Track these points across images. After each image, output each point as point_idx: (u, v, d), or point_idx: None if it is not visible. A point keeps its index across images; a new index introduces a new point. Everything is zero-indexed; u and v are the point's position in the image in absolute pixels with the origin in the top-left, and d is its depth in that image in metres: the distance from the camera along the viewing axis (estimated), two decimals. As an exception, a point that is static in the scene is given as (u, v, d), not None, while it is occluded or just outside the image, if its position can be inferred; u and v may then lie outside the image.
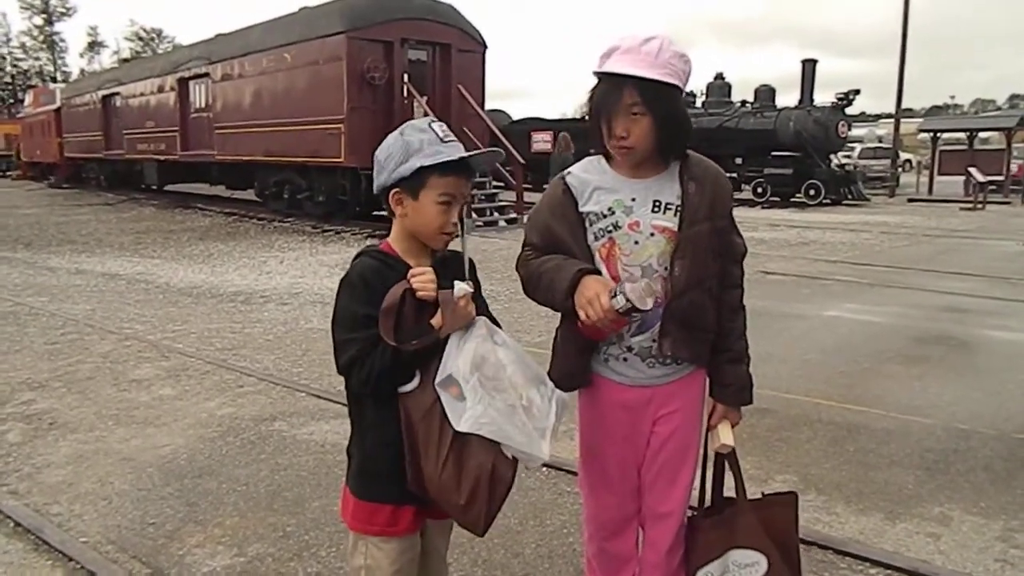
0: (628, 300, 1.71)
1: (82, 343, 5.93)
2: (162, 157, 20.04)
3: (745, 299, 2.04)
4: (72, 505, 3.23)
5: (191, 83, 18.67)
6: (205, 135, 17.85)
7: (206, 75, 17.75)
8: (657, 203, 1.86)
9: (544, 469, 3.51)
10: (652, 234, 1.85)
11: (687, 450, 1.99)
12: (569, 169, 1.97)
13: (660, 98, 1.76)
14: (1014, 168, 23.99)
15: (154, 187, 22.18)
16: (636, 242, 1.86)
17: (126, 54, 60.47)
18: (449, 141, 1.68)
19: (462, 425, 1.55)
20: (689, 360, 1.94)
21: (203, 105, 18.26)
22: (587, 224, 1.89)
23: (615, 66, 1.77)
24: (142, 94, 20.88)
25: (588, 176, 1.92)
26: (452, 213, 1.68)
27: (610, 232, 1.87)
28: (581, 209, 1.89)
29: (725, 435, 2.00)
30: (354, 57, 13.59)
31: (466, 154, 1.69)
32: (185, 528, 3.03)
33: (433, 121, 1.72)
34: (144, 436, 4.01)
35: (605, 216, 1.87)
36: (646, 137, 1.79)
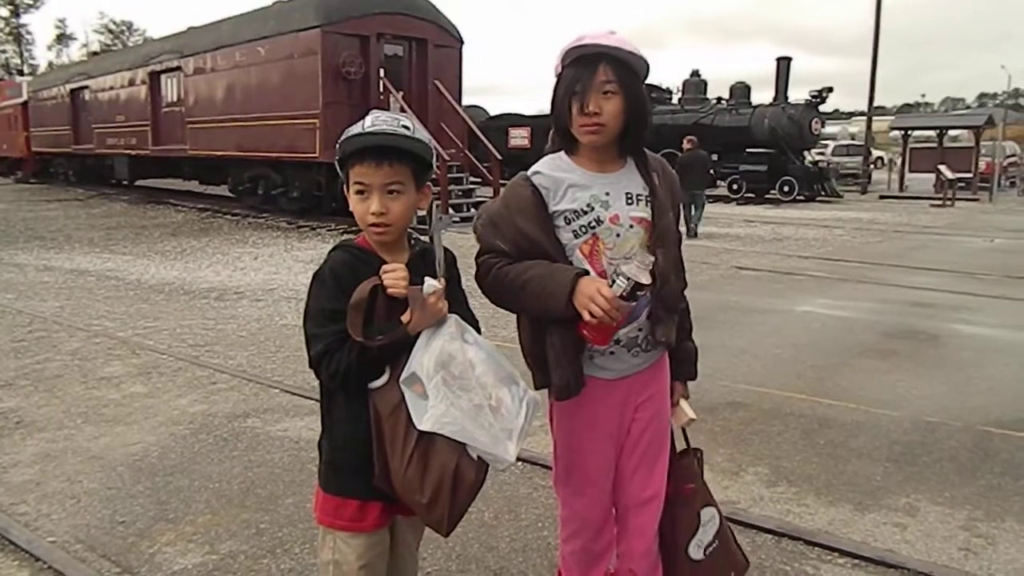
0: (629, 279, 1.72)
1: (50, 340, 5.83)
2: (133, 152, 19.72)
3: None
4: (39, 504, 3.18)
5: (163, 77, 18.40)
6: (177, 129, 17.60)
7: (178, 69, 17.50)
8: (629, 195, 1.90)
9: (519, 464, 3.52)
10: (631, 226, 1.88)
11: (665, 432, 2.05)
12: (534, 168, 1.94)
13: (631, 79, 1.83)
14: (982, 166, 24.44)
15: (125, 182, 21.82)
16: (618, 235, 1.88)
17: (95, 47, 59.38)
18: (375, 130, 1.62)
19: (424, 424, 1.55)
20: (670, 343, 2.00)
21: (175, 99, 18.00)
22: (562, 223, 1.87)
23: (590, 45, 1.81)
24: (112, 88, 20.53)
25: (559, 174, 1.89)
26: (370, 203, 1.64)
27: (593, 228, 1.86)
28: (552, 208, 1.87)
29: (689, 410, 2.12)
30: (329, 52, 13.48)
31: (358, 134, 1.64)
32: (156, 526, 2.99)
33: (375, 110, 1.71)
34: (114, 434, 3.96)
35: (585, 212, 1.86)
36: (617, 116, 1.81)
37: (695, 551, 2.07)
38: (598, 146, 1.88)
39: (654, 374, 2.01)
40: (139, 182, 21.72)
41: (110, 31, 66.45)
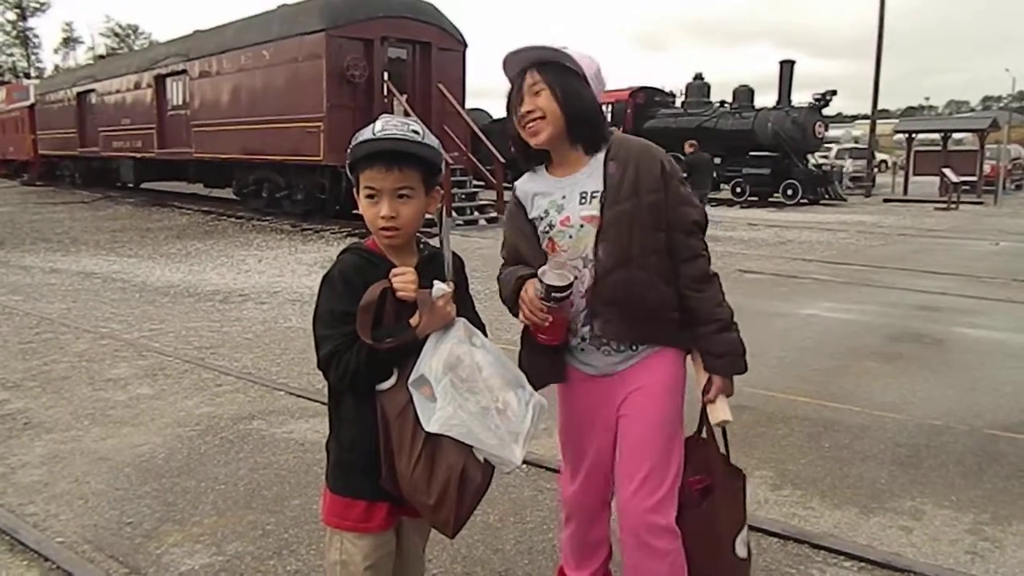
0: (543, 283, 1.80)
1: (57, 342, 5.86)
2: (138, 155, 19.79)
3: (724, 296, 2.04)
4: (48, 505, 3.19)
5: (168, 80, 18.47)
6: (182, 133, 17.66)
7: (184, 72, 17.57)
8: (584, 195, 1.94)
9: (524, 466, 3.52)
10: (582, 225, 1.93)
11: (649, 438, 1.94)
12: (517, 181, 2.08)
13: (560, 77, 1.88)
14: (987, 169, 24.37)
15: (130, 185, 21.91)
16: (570, 236, 1.94)
17: (102, 50, 59.69)
18: (385, 135, 1.64)
19: (431, 426, 1.56)
20: (637, 341, 1.95)
21: (180, 102, 18.07)
22: (538, 229, 2.01)
23: (507, 57, 1.93)
24: (118, 91, 20.62)
25: (529, 185, 2.03)
26: (380, 207, 1.65)
27: (547, 232, 1.98)
28: (530, 216, 2.01)
29: (723, 409, 1.97)
30: (333, 55, 13.52)
31: (369, 140, 1.65)
32: (163, 527, 3.01)
33: (384, 115, 1.73)
34: (121, 435, 3.98)
35: (543, 218, 1.99)
36: (551, 106, 1.87)
37: (740, 548, 2.03)
38: (552, 147, 1.94)
39: (643, 371, 1.97)
40: (144, 185, 21.81)
41: (116, 35, 66.70)
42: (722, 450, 2.08)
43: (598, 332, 1.94)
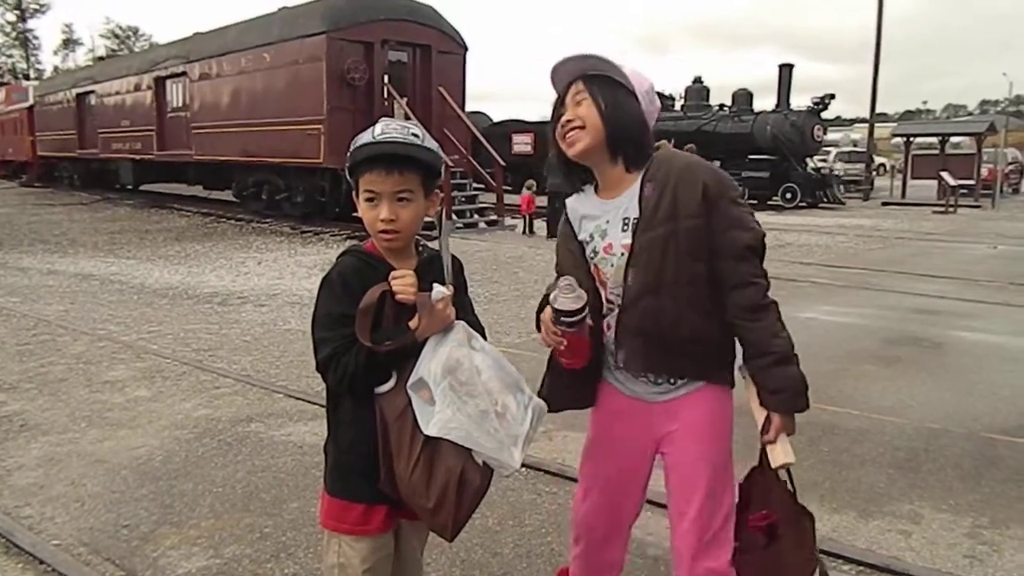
0: (555, 308, 1.75)
1: (54, 344, 5.85)
2: (138, 157, 19.80)
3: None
4: (44, 508, 3.18)
5: (168, 82, 18.47)
6: (182, 135, 17.67)
7: (183, 74, 17.58)
8: (626, 221, 1.83)
9: (523, 470, 3.51)
10: (622, 254, 1.82)
11: (695, 477, 1.84)
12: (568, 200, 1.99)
13: (606, 88, 1.80)
14: (984, 172, 24.42)
15: (129, 187, 21.93)
16: (612, 264, 1.85)
17: (101, 52, 59.67)
18: (385, 139, 1.63)
19: (430, 429, 1.56)
20: (666, 374, 1.83)
21: (180, 104, 18.07)
22: (586, 253, 1.92)
23: (556, 66, 1.86)
24: (118, 93, 20.62)
25: (576, 205, 1.95)
26: (380, 210, 1.65)
27: (593, 258, 1.89)
28: (579, 238, 1.93)
29: (785, 452, 1.80)
30: (334, 58, 13.53)
31: (368, 143, 1.64)
32: (160, 530, 3.00)
33: (384, 119, 1.73)
34: (118, 438, 3.97)
35: (588, 243, 1.90)
36: (591, 115, 1.79)
37: None
38: (592, 161, 1.86)
39: (683, 408, 1.85)
40: (143, 187, 21.83)
41: (116, 36, 66.78)
42: (788, 487, 1.91)
43: (621, 364, 1.85)
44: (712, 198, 1.75)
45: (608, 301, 1.87)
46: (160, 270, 9.71)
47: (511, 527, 3.05)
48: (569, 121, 1.82)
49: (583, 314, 1.76)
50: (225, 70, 16.13)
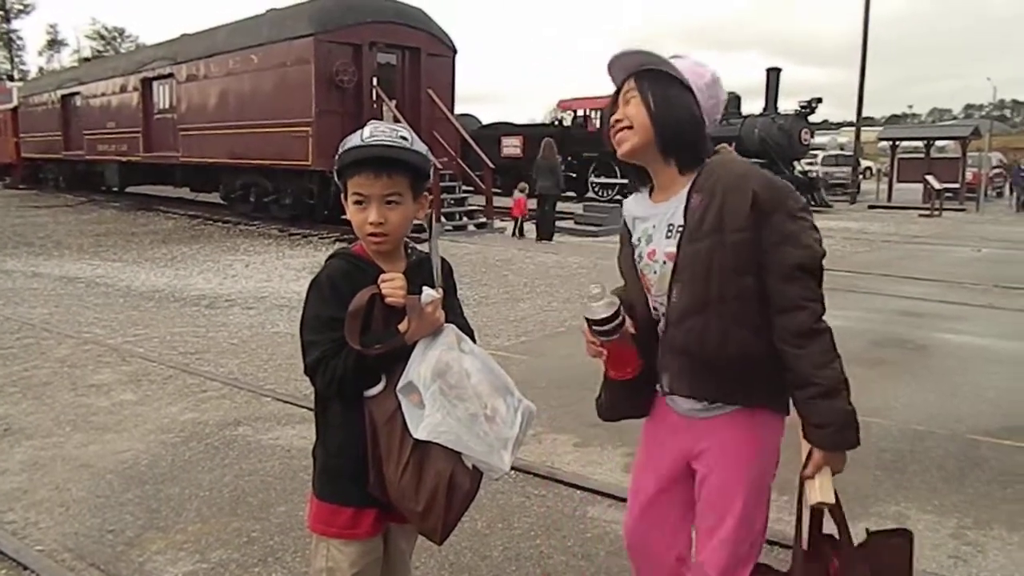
0: (584, 317, 1.71)
1: (38, 347, 5.79)
2: (124, 158, 19.65)
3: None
4: (27, 513, 3.15)
5: (155, 83, 18.35)
6: (169, 136, 17.56)
7: (170, 76, 17.47)
8: (671, 228, 1.73)
9: (513, 473, 3.51)
10: (665, 262, 1.73)
11: (725, 498, 1.76)
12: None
13: (657, 84, 1.72)
14: (969, 176, 24.65)
15: (115, 189, 21.74)
16: (655, 272, 1.77)
17: (87, 53, 59.27)
18: (373, 142, 1.63)
19: (420, 433, 1.56)
20: (713, 398, 1.73)
21: (167, 106, 17.96)
22: (634, 256, 1.85)
23: (609, 65, 1.79)
24: (103, 94, 20.47)
25: (631, 206, 1.87)
26: (368, 212, 1.64)
27: (639, 263, 1.82)
28: (632, 240, 1.86)
29: (822, 489, 1.67)
30: (322, 60, 13.49)
31: (357, 146, 1.63)
32: (146, 535, 2.98)
33: (373, 121, 1.72)
34: (103, 442, 3.94)
35: (636, 246, 1.83)
36: (639, 115, 1.71)
37: None
38: (644, 161, 1.77)
39: (716, 428, 1.75)
40: (129, 189, 21.65)
41: (102, 37, 66.35)
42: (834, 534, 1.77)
43: (667, 388, 1.76)
44: (763, 210, 1.62)
45: (653, 308, 1.80)
46: (146, 273, 9.65)
47: (500, 530, 3.05)
48: (618, 120, 1.75)
49: (616, 321, 1.68)
50: (212, 72, 16.05)
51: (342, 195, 1.72)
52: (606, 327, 1.69)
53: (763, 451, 1.78)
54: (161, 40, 20.22)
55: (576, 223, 15.40)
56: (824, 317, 1.65)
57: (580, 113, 24.90)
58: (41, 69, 60.67)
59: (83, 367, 5.28)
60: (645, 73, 1.74)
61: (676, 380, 1.75)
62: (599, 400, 1.90)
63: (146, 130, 18.59)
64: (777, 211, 1.63)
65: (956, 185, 23.58)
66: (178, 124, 17.14)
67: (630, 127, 1.73)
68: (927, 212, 20.52)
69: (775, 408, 1.76)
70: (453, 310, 1.75)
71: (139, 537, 2.96)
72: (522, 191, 14.17)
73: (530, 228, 13.85)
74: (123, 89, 19.49)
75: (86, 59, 44.99)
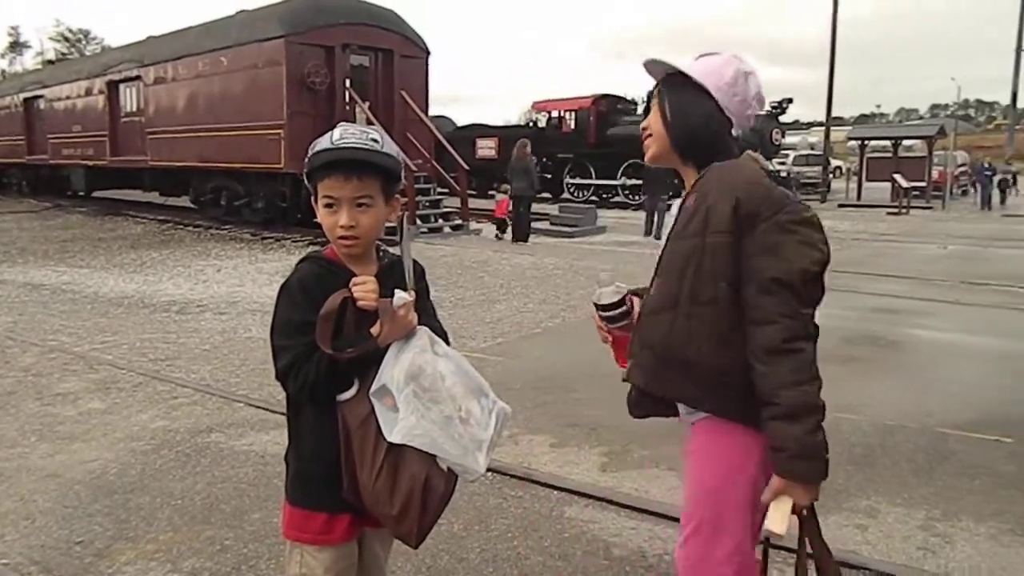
0: (593, 302, 1.72)
1: (2, 356, 5.66)
2: (90, 162, 19.29)
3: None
4: (-7, 525, 3.08)
5: (121, 86, 18.06)
6: (137, 140, 17.28)
7: (137, 78, 17.20)
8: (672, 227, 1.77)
9: (489, 475, 3.51)
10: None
11: (688, 508, 1.76)
12: None
13: (674, 92, 1.75)
14: (935, 175, 25.12)
15: (81, 193, 21.34)
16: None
17: (51, 55, 58.20)
18: (343, 144, 1.61)
19: (394, 436, 1.54)
20: (657, 394, 1.73)
21: (134, 109, 17.68)
22: None
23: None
24: (68, 97, 20.09)
25: (674, 206, 1.87)
26: (339, 216, 1.63)
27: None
28: None
29: (772, 519, 1.57)
30: (294, 62, 13.38)
31: (327, 149, 1.61)
32: (115, 545, 2.92)
33: (343, 123, 1.70)
34: (70, 452, 3.86)
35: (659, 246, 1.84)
36: (656, 123, 1.77)
37: None
38: (671, 165, 1.81)
39: (696, 433, 1.75)
40: (96, 193, 21.26)
41: (66, 39, 65.12)
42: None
43: (625, 376, 1.76)
44: (746, 216, 1.58)
45: None
46: (115, 279, 9.48)
47: (477, 532, 3.04)
48: (644, 129, 1.82)
49: (621, 308, 1.69)
50: (181, 74, 15.83)
51: (312, 198, 1.70)
52: (611, 313, 1.72)
53: (729, 467, 1.69)
54: (128, 42, 19.93)
55: (551, 224, 15.45)
56: (803, 336, 1.57)
57: (555, 114, 24.96)
58: (3, 72, 59.46)
59: (49, 376, 5.17)
60: (668, 79, 1.78)
61: (633, 370, 1.75)
62: (629, 394, 1.84)
63: (113, 133, 18.28)
64: (763, 219, 1.58)
65: (923, 184, 24.02)
66: (146, 127, 16.88)
67: (651, 135, 1.79)
68: (895, 210, 20.87)
69: (749, 425, 1.65)
70: (426, 312, 1.74)
71: (108, 548, 2.90)
72: (506, 192, 14.24)
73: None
74: (88, 92, 19.14)
75: (50, 61, 44.21)
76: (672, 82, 1.77)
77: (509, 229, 13.84)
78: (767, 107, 21.99)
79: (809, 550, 1.71)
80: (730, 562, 1.71)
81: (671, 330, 1.64)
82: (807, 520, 1.65)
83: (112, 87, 18.23)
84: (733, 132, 1.75)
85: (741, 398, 1.62)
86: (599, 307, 1.71)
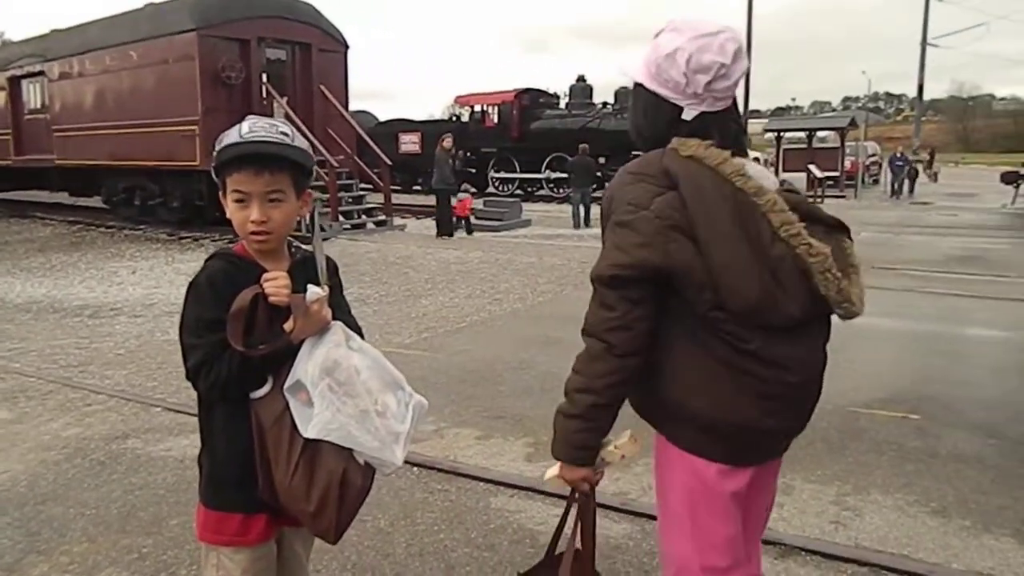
0: None
1: (-102, 368, 5.33)
2: (-8, 162, 18.28)
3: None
4: None
5: (24, 82, 17.15)
6: (42, 138, 16.44)
7: (41, 73, 16.37)
8: None
9: (414, 469, 3.51)
10: None
11: (662, 499, 1.77)
12: None
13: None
14: (847, 165, 26.24)
15: (-17, 195, 20.19)
16: None
17: (-55, 49, 54.71)
18: (253, 138, 1.58)
19: (310, 431, 1.53)
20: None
21: (39, 106, 16.82)
22: None
23: None
24: (-34, 94, 18.96)
25: None
26: (250, 211, 1.61)
27: None
28: None
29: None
30: (207, 56, 12.97)
31: (236, 143, 1.58)
32: (26, 559, 2.80)
33: (251, 116, 1.67)
34: (-25, 465, 3.67)
35: None
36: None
37: None
38: None
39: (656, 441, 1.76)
40: (0, 195, 20.15)
41: (-39, 32, 61.36)
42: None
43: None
44: (604, 216, 1.62)
45: None
46: (22, 283, 9.02)
47: (403, 527, 3.04)
48: None
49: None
50: (88, 69, 15.14)
51: (221, 192, 1.67)
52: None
53: (671, 486, 1.71)
54: (30, 36, 18.91)
55: (476, 218, 15.45)
56: (597, 334, 1.56)
57: (478, 108, 24.96)
58: None
59: (-50, 387, 4.90)
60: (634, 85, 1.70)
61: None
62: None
63: (16, 132, 17.36)
64: (608, 219, 1.60)
65: (836, 173, 25.05)
66: (52, 125, 16.08)
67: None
68: (810, 199, 21.69)
69: (675, 442, 1.66)
70: (340, 308, 1.73)
71: (19, 562, 2.78)
72: (465, 191, 14.27)
73: (430, 224, 13.78)
74: (-12, 88, 18.10)
75: (-56, 55, 41.54)
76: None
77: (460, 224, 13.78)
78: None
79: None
80: (681, 572, 1.72)
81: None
82: (579, 500, 1.75)
83: (14, 83, 17.31)
84: (685, 115, 1.61)
85: (665, 413, 1.66)
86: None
